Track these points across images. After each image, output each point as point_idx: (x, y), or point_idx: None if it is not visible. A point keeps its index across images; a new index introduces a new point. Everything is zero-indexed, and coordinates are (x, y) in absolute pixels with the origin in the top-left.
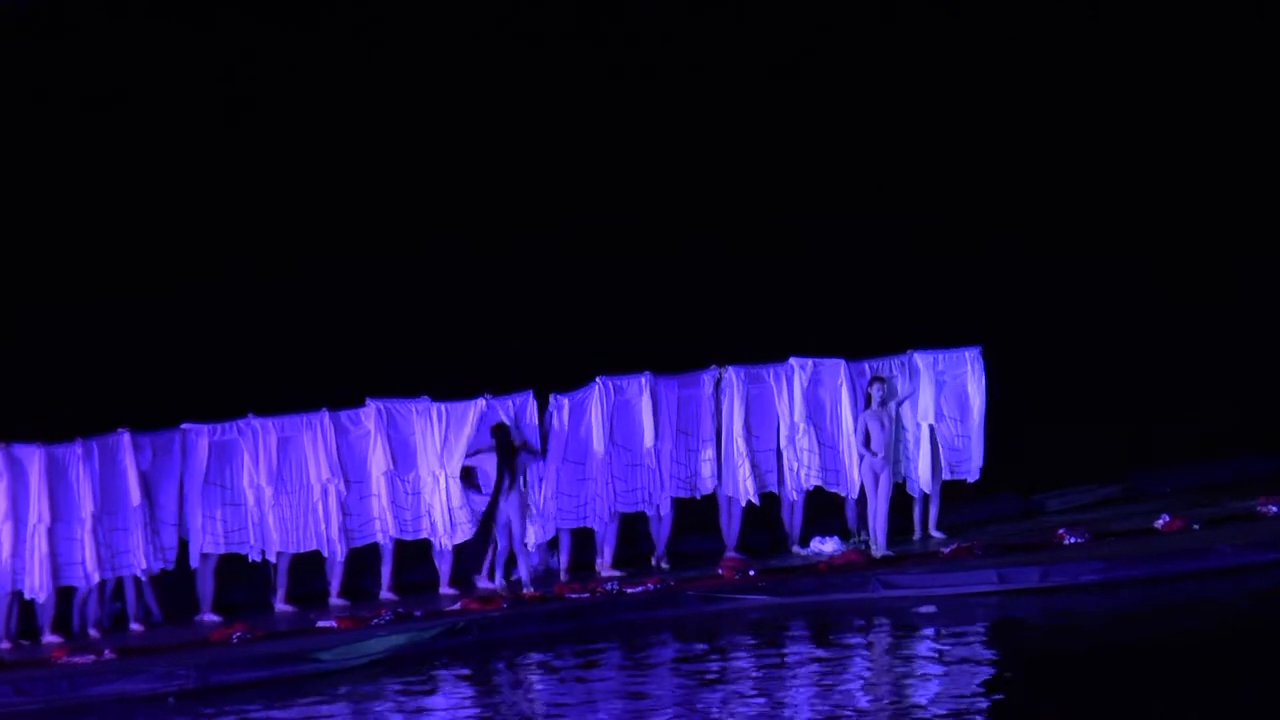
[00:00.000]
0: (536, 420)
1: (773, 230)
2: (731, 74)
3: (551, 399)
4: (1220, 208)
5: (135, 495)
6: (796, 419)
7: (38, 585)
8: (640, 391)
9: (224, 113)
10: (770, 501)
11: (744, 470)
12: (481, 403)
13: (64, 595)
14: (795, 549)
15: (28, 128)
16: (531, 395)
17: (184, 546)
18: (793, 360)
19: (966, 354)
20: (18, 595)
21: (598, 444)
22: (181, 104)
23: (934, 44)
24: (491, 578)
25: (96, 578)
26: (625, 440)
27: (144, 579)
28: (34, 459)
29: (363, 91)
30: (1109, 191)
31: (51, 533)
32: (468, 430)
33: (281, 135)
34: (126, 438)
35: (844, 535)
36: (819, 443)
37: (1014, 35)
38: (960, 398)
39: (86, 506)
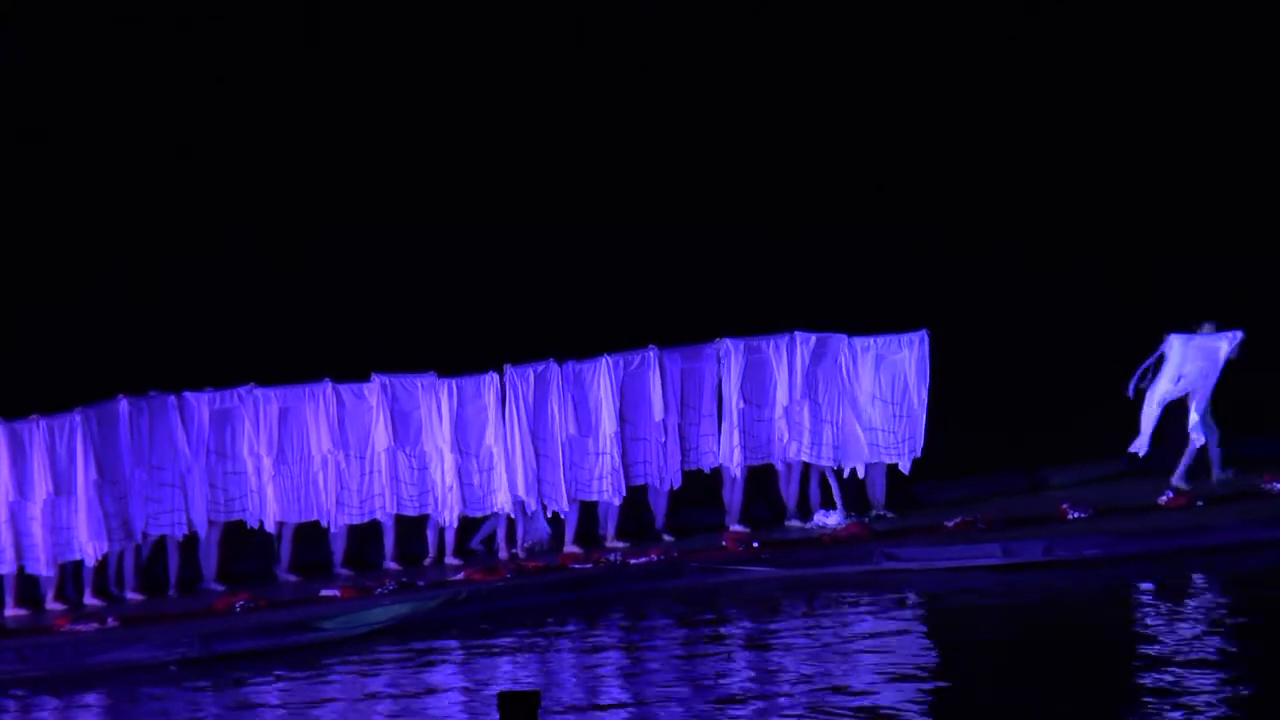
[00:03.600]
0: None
1: (775, 223)
2: (724, 70)
3: (566, 366)
4: (1223, 205)
5: (130, 464)
6: (796, 393)
7: (45, 559)
8: (647, 365)
9: (223, 87)
10: (771, 473)
11: (735, 439)
12: (492, 378)
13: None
14: (793, 522)
15: (33, 105)
16: (553, 364)
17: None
18: (797, 334)
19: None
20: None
21: (606, 419)
22: (183, 81)
23: (923, 42)
24: (489, 545)
25: (104, 548)
26: (630, 413)
27: (171, 544)
28: (34, 433)
29: (377, 67)
30: (1111, 182)
31: (56, 504)
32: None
33: (293, 109)
34: (124, 405)
35: (861, 509)
36: (815, 418)
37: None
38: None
39: (85, 476)
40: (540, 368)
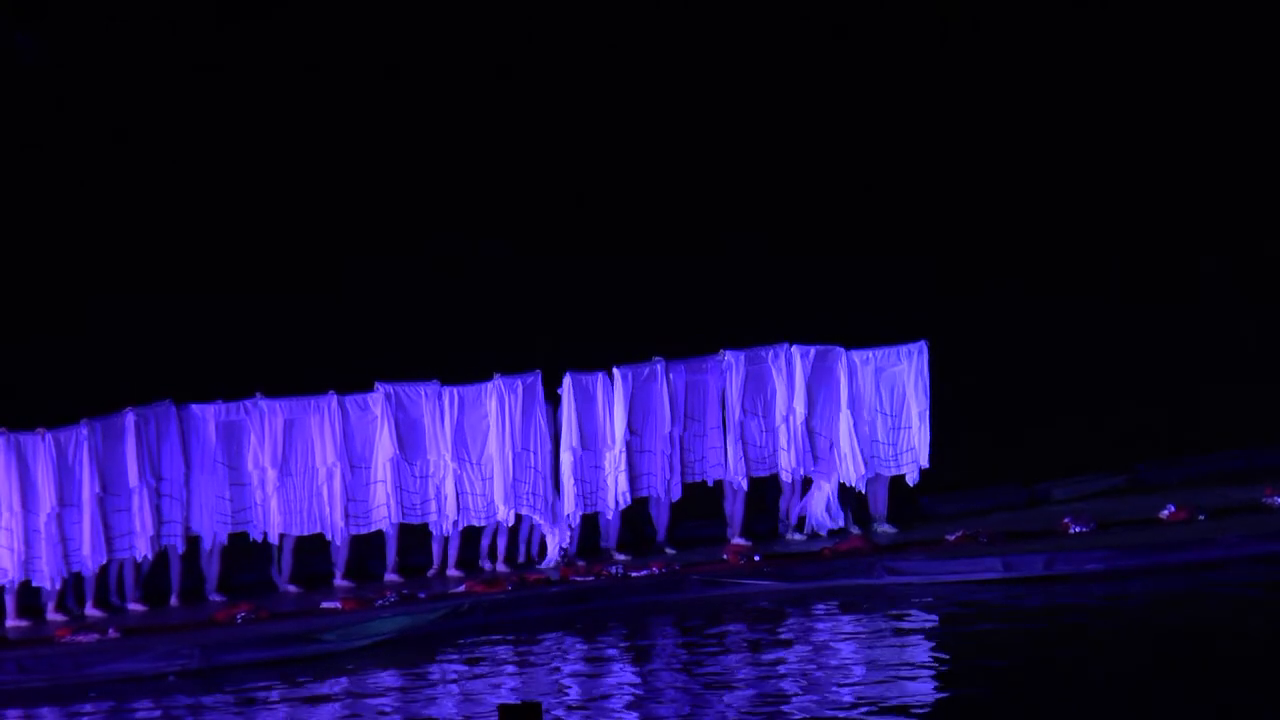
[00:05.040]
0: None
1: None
2: (720, 73)
3: (566, 376)
4: (1232, 205)
5: (134, 477)
6: (796, 405)
7: (49, 571)
8: (655, 378)
9: (241, 95)
10: (772, 486)
11: (740, 451)
12: (494, 385)
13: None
14: (791, 535)
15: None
16: (539, 375)
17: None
18: (795, 347)
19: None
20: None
21: (617, 431)
22: (193, 92)
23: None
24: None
25: (101, 559)
26: (637, 426)
27: (172, 555)
28: (39, 446)
29: (394, 75)
30: (1117, 185)
31: (60, 517)
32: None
33: (291, 115)
34: (131, 417)
35: (861, 521)
36: (815, 431)
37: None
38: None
39: (89, 488)
40: (529, 379)
